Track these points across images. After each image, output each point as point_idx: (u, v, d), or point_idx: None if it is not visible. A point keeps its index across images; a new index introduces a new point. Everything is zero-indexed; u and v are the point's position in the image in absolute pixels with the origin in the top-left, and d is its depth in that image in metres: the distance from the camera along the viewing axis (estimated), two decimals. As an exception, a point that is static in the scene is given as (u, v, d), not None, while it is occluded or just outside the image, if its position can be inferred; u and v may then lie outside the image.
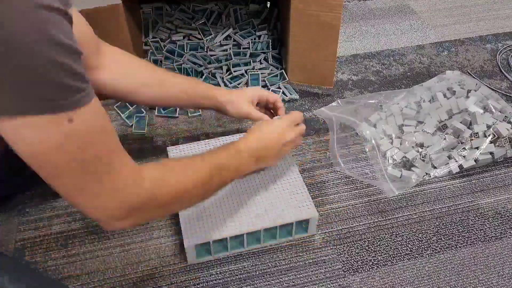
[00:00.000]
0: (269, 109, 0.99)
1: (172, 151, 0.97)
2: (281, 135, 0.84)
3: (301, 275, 0.82)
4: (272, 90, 1.19)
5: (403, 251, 0.86)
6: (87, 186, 0.54)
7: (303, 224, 0.87)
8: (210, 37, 1.24)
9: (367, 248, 0.86)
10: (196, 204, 0.75)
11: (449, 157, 1.00)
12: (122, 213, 0.58)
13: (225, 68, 1.21)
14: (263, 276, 0.82)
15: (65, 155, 0.50)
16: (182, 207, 0.76)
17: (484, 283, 0.81)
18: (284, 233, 0.87)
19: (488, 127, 1.01)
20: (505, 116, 1.02)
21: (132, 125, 1.10)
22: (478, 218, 0.92)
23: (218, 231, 0.82)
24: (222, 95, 0.92)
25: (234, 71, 1.20)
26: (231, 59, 1.21)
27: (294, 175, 0.92)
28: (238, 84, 1.20)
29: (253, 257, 0.84)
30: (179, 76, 0.98)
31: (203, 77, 1.19)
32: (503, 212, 0.93)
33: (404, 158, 1.01)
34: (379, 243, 0.87)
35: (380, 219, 0.91)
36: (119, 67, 0.84)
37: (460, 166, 0.99)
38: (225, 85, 1.19)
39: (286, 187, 0.90)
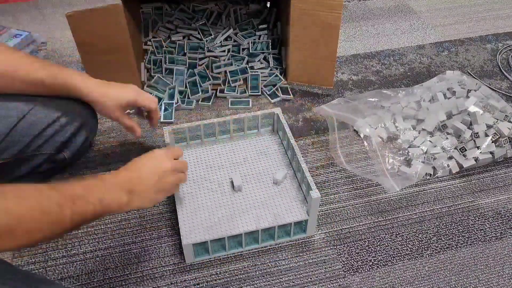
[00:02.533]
0: (144, 116, 0.94)
1: (168, 130, 0.97)
2: (157, 164, 0.74)
3: (301, 275, 0.82)
4: (271, 90, 1.20)
5: (403, 251, 0.86)
6: None
7: (302, 224, 0.87)
8: (211, 37, 1.24)
9: (367, 248, 0.86)
10: (41, 241, 0.59)
11: (450, 157, 1.00)
12: None
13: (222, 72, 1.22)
14: (263, 276, 0.82)
15: None
16: (15, 243, 0.56)
17: (484, 283, 0.81)
18: (282, 233, 0.87)
19: (488, 127, 1.01)
20: (506, 116, 1.02)
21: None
22: (478, 218, 0.92)
23: (216, 230, 0.83)
24: (88, 93, 0.83)
25: (231, 77, 1.20)
26: (230, 64, 1.22)
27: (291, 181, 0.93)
28: (235, 81, 1.20)
29: (253, 257, 0.84)
30: (37, 61, 0.82)
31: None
32: (503, 212, 0.93)
33: (404, 157, 1.01)
34: (379, 243, 0.87)
35: (380, 219, 0.91)
36: None
37: (460, 166, 0.99)
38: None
39: (285, 187, 0.90)
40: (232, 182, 0.93)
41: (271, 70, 1.25)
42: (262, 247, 0.86)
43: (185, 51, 1.23)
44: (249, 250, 0.85)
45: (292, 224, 0.84)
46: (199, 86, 1.19)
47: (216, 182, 0.94)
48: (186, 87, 1.19)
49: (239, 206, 0.89)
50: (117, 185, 0.68)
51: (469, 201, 0.95)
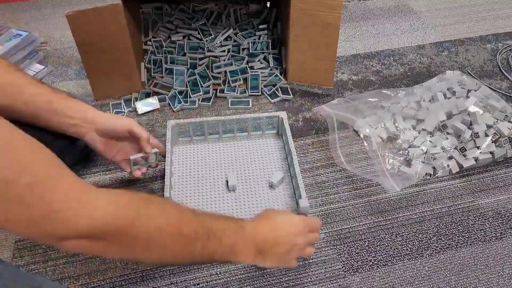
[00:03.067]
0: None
1: (171, 124, 0.97)
2: (293, 235, 0.71)
3: (301, 275, 0.82)
4: (271, 90, 1.20)
5: (403, 251, 0.86)
6: (14, 215, 0.47)
7: None
8: (211, 37, 1.24)
9: (367, 248, 0.86)
10: (169, 262, 0.61)
11: (450, 157, 1.00)
12: (69, 235, 0.50)
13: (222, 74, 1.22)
14: (263, 276, 0.82)
15: None
16: (149, 255, 0.58)
17: (484, 283, 0.81)
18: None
19: (488, 127, 1.01)
20: (506, 115, 1.02)
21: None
22: (478, 218, 0.92)
23: None
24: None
25: (231, 77, 1.20)
26: (230, 64, 1.22)
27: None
28: (235, 81, 1.20)
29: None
30: (42, 87, 0.78)
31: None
32: (503, 212, 0.93)
33: (404, 157, 1.01)
34: (379, 243, 0.87)
35: (380, 219, 0.91)
36: None
37: (460, 166, 0.99)
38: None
39: (280, 192, 0.92)
40: (227, 182, 0.93)
41: (271, 70, 1.25)
42: None
43: (185, 51, 1.23)
44: None
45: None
46: (200, 86, 1.19)
47: (212, 180, 0.94)
48: (186, 87, 1.19)
49: (231, 206, 0.89)
50: (252, 241, 0.66)
51: (469, 201, 0.95)
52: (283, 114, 1.03)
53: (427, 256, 0.85)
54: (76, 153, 0.91)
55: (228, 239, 0.63)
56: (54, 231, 0.49)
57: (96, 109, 0.83)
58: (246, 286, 0.80)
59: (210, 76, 1.21)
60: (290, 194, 0.92)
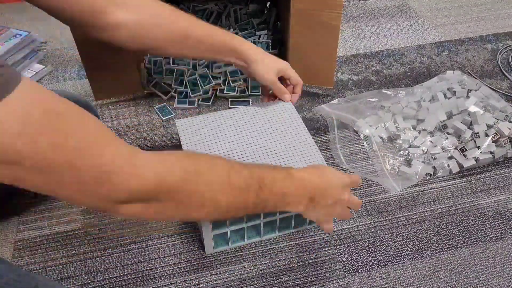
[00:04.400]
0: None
1: (181, 123, 0.90)
2: (340, 187, 0.70)
3: (301, 275, 0.82)
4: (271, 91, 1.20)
5: (403, 251, 0.86)
6: (64, 179, 0.47)
7: None
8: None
9: (367, 248, 0.86)
10: (224, 216, 0.61)
11: (450, 157, 1.00)
12: (121, 197, 0.51)
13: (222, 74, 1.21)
14: (263, 276, 0.82)
15: (14, 155, 0.43)
16: (203, 211, 0.58)
17: (484, 284, 0.81)
18: (298, 221, 0.87)
19: (489, 127, 1.01)
20: (506, 115, 1.02)
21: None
22: (479, 218, 0.92)
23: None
24: (252, 54, 0.87)
25: (231, 77, 1.20)
26: (230, 64, 1.21)
27: (311, 148, 0.87)
28: (235, 81, 1.20)
29: (253, 257, 0.84)
30: (203, 26, 0.85)
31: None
32: (504, 212, 0.93)
33: (405, 157, 1.01)
34: (379, 243, 0.87)
35: (380, 219, 0.91)
36: (141, 23, 0.78)
37: (461, 166, 0.99)
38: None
39: (303, 159, 0.85)
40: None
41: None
42: (277, 236, 0.87)
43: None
44: (266, 240, 0.87)
45: None
46: (200, 87, 1.18)
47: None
48: (186, 87, 1.19)
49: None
50: (303, 189, 0.66)
51: (470, 201, 0.95)
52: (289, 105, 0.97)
53: (427, 256, 0.85)
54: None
55: (279, 187, 0.63)
56: (106, 194, 0.50)
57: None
58: (246, 286, 0.80)
59: (210, 76, 1.21)
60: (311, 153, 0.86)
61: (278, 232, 0.87)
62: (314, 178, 0.68)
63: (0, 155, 0.43)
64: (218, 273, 0.82)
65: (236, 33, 1.25)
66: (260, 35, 1.27)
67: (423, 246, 0.87)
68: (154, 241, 0.87)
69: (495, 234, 0.89)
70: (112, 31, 0.76)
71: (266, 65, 0.87)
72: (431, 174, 1.00)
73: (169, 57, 1.21)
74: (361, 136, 1.07)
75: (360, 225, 0.90)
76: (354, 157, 1.04)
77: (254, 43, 1.25)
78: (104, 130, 0.51)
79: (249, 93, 1.20)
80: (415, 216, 0.92)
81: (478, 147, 0.99)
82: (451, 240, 0.88)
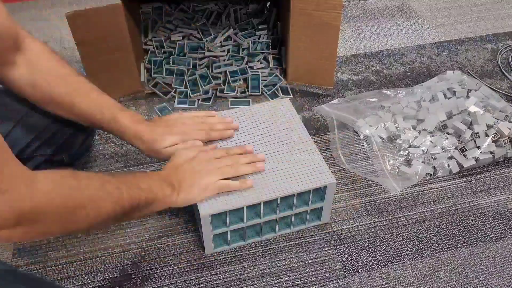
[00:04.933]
0: None
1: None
2: (184, 154, 0.78)
3: (301, 275, 0.82)
4: (271, 90, 1.20)
5: (403, 251, 0.86)
6: None
7: (317, 211, 0.87)
8: (211, 37, 1.24)
9: (367, 248, 0.86)
10: (104, 221, 0.64)
11: (450, 157, 1.00)
12: (10, 218, 0.51)
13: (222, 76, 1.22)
14: (263, 276, 0.82)
15: None
16: (86, 221, 0.61)
17: (484, 284, 0.81)
18: (298, 221, 0.87)
19: (489, 127, 1.01)
20: (506, 115, 1.02)
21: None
22: (479, 218, 0.92)
23: (235, 201, 0.78)
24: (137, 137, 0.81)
25: (231, 77, 1.20)
26: (230, 64, 1.22)
27: (309, 146, 0.87)
28: (235, 81, 1.20)
29: (253, 257, 0.84)
30: (96, 95, 0.82)
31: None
32: (504, 212, 0.93)
33: (405, 157, 1.01)
34: (379, 243, 0.87)
35: (380, 219, 0.91)
36: (36, 73, 0.76)
37: (461, 166, 0.99)
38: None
39: (301, 157, 0.85)
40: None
41: (271, 70, 1.25)
42: (276, 236, 0.87)
43: (185, 51, 1.23)
44: (266, 240, 0.87)
45: (311, 192, 0.81)
46: (200, 87, 1.19)
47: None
48: (186, 87, 1.19)
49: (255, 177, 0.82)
50: (159, 179, 0.73)
51: (470, 201, 0.95)
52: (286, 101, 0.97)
53: (427, 256, 0.85)
54: (85, 138, 0.94)
55: (142, 183, 0.70)
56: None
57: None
58: (246, 286, 0.80)
59: (210, 76, 1.21)
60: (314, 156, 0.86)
61: (277, 232, 0.87)
62: (166, 170, 0.76)
63: None
64: (218, 273, 0.82)
65: (236, 33, 1.26)
66: (260, 35, 1.27)
67: (423, 246, 0.87)
68: (154, 241, 0.87)
69: (495, 234, 0.89)
70: (8, 70, 0.75)
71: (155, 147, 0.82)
72: (431, 174, 1.00)
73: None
74: (361, 136, 1.07)
75: (360, 225, 0.90)
76: (354, 157, 1.04)
77: (254, 43, 1.25)
78: (5, 150, 0.51)
79: (249, 93, 1.20)
80: (415, 216, 0.92)
81: (478, 147, 0.99)
82: (451, 240, 0.88)
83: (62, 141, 0.87)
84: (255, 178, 0.82)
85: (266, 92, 1.20)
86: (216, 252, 0.85)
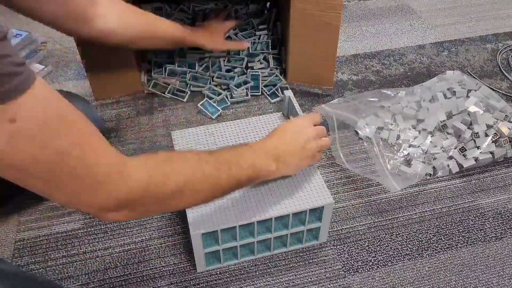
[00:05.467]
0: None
1: (176, 135, 0.91)
2: (300, 131, 0.77)
3: (301, 275, 0.82)
4: (271, 90, 1.20)
5: (403, 251, 0.86)
6: (63, 184, 0.50)
7: (313, 231, 0.85)
8: (210, 37, 1.24)
9: (367, 248, 0.86)
10: (203, 202, 0.66)
11: (450, 157, 1.00)
12: (110, 205, 0.54)
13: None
14: (263, 276, 0.82)
15: (22, 156, 0.45)
16: (184, 203, 0.65)
17: (484, 283, 0.81)
18: (294, 240, 0.84)
19: (489, 127, 1.01)
20: (506, 115, 1.02)
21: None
22: (478, 218, 0.92)
23: (227, 220, 0.76)
24: (199, 38, 1.11)
25: (231, 77, 1.20)
26: (230, 69, 1.22)
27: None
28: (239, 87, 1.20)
29: (253, 257, 0.84)
30: (164, 22, 1.03)
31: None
32: (504, 212, 0.93)
33: (404, 157, 1.01)
34: (379, 243, 0.87)
35: (380, 219, 0.91)
36: (116, 18, 0.90)
37: (460, 166, 0.99)
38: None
39: (299, 175, 0.84)
40: None
41: (271, 70, 1.25)
42: (272, 255, 0.84)
43: (185, 51, 1.23)
44: (261, 257, 0.84)
45: (307, 212, 0.79)
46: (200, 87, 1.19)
47: None
48: (186, 87, 1.19)
49: (249, 196, 0.81)
50: (265, 153, 0.72)
51: (469, 201, 0.95)
52: (289, 93, 0.96)
53: (427, 256, 0.85)
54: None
55: (245, 160, 0.68)
56: (98, 202, 0.53)
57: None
58: (246, 286, 0.80)
59: (210, 76, 1.21)
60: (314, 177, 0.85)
61: (273, 251, 0.84)
62: (272, 140, 0.75)
63: (13, 159, 0.45)
64: (218, 273, 0.82)
65: (236, 34, 1.26)
66: (260, 35, 1.27)
67: (423, 246, 0.87)
68: (154, 241, 0.87)
69: (495, 234, 0.89)
70: (96, 23, 0.87)
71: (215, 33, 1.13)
72: (431, 174, 1.00)
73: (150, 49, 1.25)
74: (361, 136, 1.07)
75: (360, 225, 0.90)
76: (354, 157, 1.04)
77: (254, 43, 1.25)
78: (100, 139, 0.53)
79: (249, 93, 1.20)
80: (415, 216, 0.92)
81: (478, 147, 0.99)
82: (451, 240, 0.88)
83: None
84: (251, 196, 0.80)
85: (266, 92, 1.20)
86: (208, 270, 0.83)
